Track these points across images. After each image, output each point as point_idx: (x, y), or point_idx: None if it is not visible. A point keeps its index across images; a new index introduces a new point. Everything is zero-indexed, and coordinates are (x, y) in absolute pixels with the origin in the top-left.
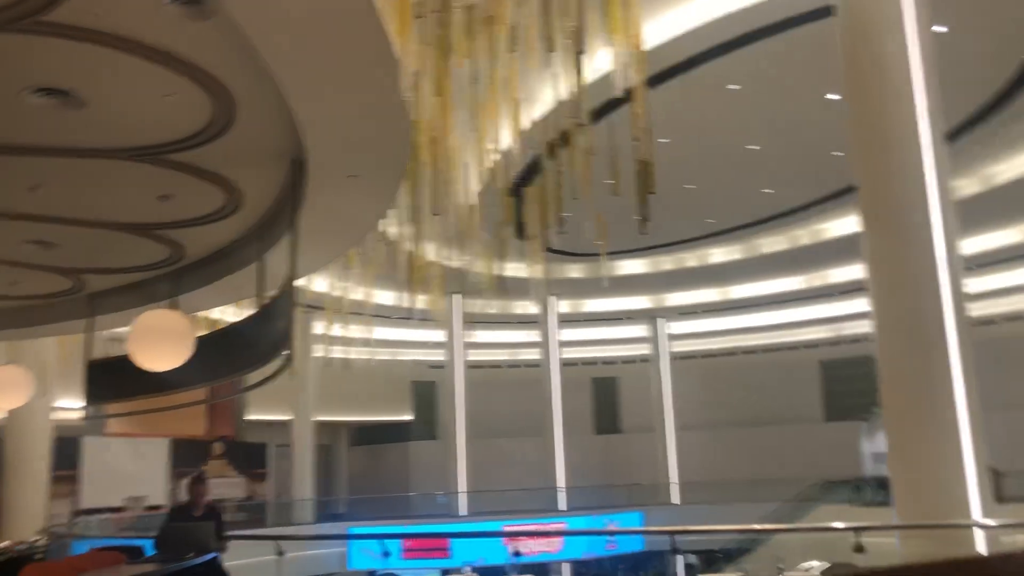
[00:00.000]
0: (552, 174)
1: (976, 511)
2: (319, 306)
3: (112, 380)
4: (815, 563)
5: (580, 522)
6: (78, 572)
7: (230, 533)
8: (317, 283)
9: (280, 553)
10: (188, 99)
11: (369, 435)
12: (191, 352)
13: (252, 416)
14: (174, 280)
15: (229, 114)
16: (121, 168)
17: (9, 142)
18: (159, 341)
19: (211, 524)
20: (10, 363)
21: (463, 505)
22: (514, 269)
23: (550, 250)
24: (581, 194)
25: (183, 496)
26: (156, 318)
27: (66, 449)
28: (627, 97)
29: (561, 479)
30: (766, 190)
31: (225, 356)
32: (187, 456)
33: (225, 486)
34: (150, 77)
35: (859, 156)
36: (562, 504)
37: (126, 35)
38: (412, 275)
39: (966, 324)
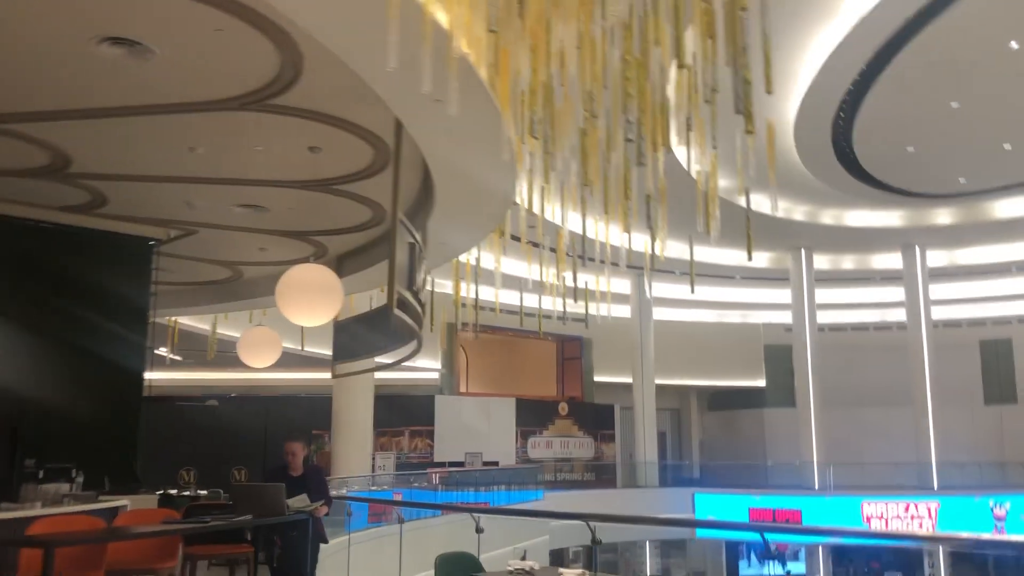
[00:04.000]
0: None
1: None
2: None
3: (347, 340)
4: None
5: (955, 502)
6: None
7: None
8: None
9: (400, 520)
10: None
11: (722, 400)
12: (338, 309)
13: (600, 378)
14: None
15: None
16: (245, 120)
17: (113, 104)
18: (306, 295)
19: (283, 487)
20: (259, 326)
21: (815, 479)
22: (867, 218)
23: (908, 192)
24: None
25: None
26: (302, 272)
27: (424, 407)
28: None
29: (934, 454)
30: None
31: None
32: (532, 415)
33: (573, 446)
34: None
35: None
36: (934, 482)
37: None
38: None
39: None
